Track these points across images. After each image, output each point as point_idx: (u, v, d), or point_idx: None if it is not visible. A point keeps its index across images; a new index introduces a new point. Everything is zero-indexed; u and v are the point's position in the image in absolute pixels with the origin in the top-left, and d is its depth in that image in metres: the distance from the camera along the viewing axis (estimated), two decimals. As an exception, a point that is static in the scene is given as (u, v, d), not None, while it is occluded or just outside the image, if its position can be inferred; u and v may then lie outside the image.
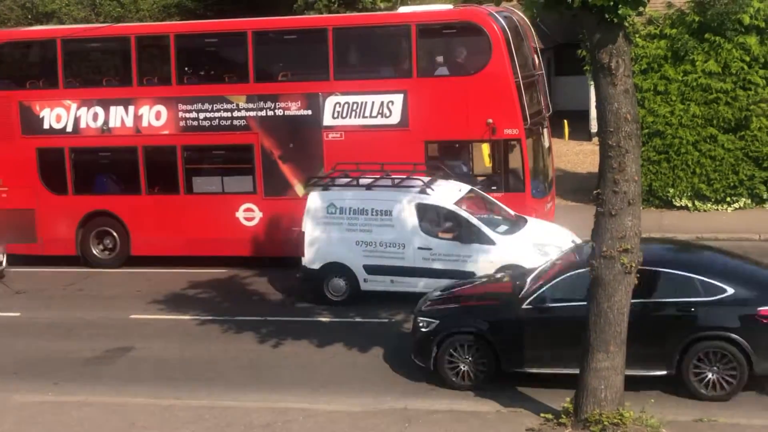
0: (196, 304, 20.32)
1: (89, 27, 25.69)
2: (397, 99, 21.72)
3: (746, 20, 25.31)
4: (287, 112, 22.35)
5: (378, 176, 19.95)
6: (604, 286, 12.34)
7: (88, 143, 23.50)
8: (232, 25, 23.58)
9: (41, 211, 23.80)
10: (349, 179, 20.02)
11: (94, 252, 23.90)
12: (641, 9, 11.78)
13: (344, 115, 22.05)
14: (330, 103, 22.07)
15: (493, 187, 21.42)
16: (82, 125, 23.48)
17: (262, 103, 22.47)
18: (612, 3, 11.51)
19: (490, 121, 21.19)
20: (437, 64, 21.95)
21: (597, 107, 12.11)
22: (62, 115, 23.51)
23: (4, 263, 23.04)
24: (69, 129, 23.49)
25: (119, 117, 23.28)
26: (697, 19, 25.82)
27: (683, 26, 26.01)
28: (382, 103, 21.81)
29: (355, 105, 21.95)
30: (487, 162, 21.36)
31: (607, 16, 11.58)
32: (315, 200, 19.67)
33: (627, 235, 12.16)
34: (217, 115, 22.76)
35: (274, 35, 22.97)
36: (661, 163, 26.15)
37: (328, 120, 22.14)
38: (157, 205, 23.29)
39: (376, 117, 21.89)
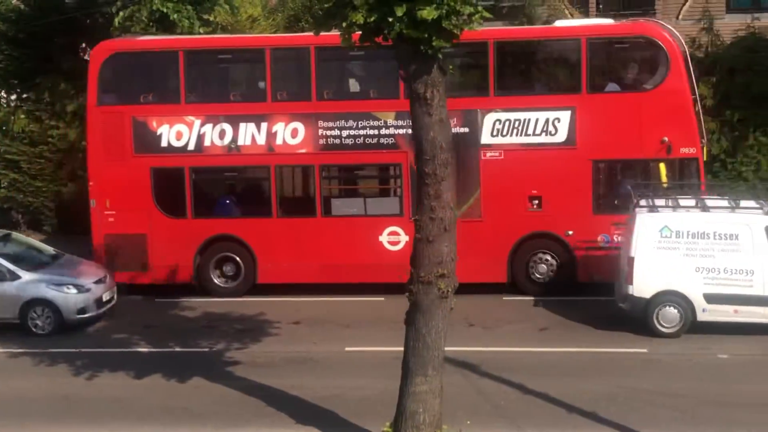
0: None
1: (215, 37, 23.82)
2: (564, 116, 20.64)
3: None
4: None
5: (702, 197, 18.67)
6: (422, 311, 12.56)
7: (212, 162, 21.70)
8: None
9: (154, 236, 21.86)
10: (677, 200, 18.59)
11: (215, 280, 22.06)
12: (454, 41, 11.88)
13: (504, 132, 20.85)
14: (489, 120, 20.85)
15: (662, 208, 20.52)
16: (206, 143, 21.68)
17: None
18: (426, 35, 11.61)
19: (666, 139, 20.29)
20: (608, 79, 20.94)
21: (414, 136, 12.38)
22: (183, 132, 21.66)
23: (115, 298, 20.94)
24: (191, 147, 21.65)
25: (250, 134, 21.57)
26: None
27: None
28: (547, 120, 20.69)
29: (516, 122, 20.78)
30: (666, 182, 20.45)
31: (422, 48, 11.75)
32: (646, 223, 18.02)
33: (444, 260, 12.45)
34: (361, 132, 21.29)
35: None
36: None
37: (486, 138, 20.90)
38: (289, 229, 21.62)
39: (539, 135, 20.75)
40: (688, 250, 17.86)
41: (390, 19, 11.52)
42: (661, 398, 15.14)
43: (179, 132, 21.67)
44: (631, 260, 18.04)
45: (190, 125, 21.62)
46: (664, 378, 16.11)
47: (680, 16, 29.55)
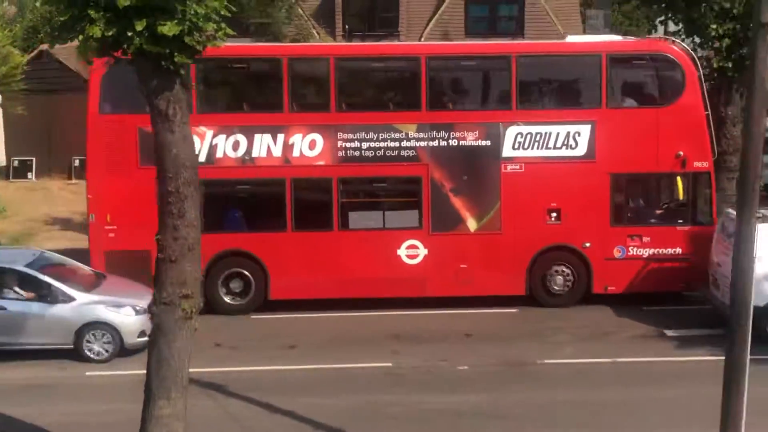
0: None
1: (228, 46, 22.76)
2: (585, 130, 20.99)
3: None
4: (462, 143, 20.99)
5: None
6: (165, 332, 12.30)
7: (224, 175, 20.89)
8: (404, 49, 21.93)
9: (159, 252, 20.83)
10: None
11: (223, 297, 21.24)
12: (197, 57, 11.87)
13: (525, 146, 21.02)
14: (511, 133, 20.97)
15: (679, 221, 21.19)
16: (218, 155, 20.87)
17: (434, 133, 20.96)
18: (168, 51, 11.50)
19: (681, 153, 20.95)
20: (626, 95, 21.41)
21: (155, 153, 12.18)
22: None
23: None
24: (202, 159, 20.77)
25: (265, 146, 20.91)
26: None
27: None
28: (567, 133, 20.99)
29: (538, 135, 20.98)
30: (681, 195, 21.09)
31: (163, 63, 11.63)
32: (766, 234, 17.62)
33: (187, 280, 12.24)
34: (382, 145, 20.98)
35: (449, 61, 21.46)
36: None
37: (507, 151, 21.00)
38: (304, 243, 21.06)
39: (560, 148, 21.02)
40: None
41: (129, 34, 11.19)
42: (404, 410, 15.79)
43: (189, 143, 20.76)
44: None
45: (201, 136, 20.77)
46: (407, 390, 16.73)
47: (422, 38, 30.79)
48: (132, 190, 20.70)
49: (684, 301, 21.47)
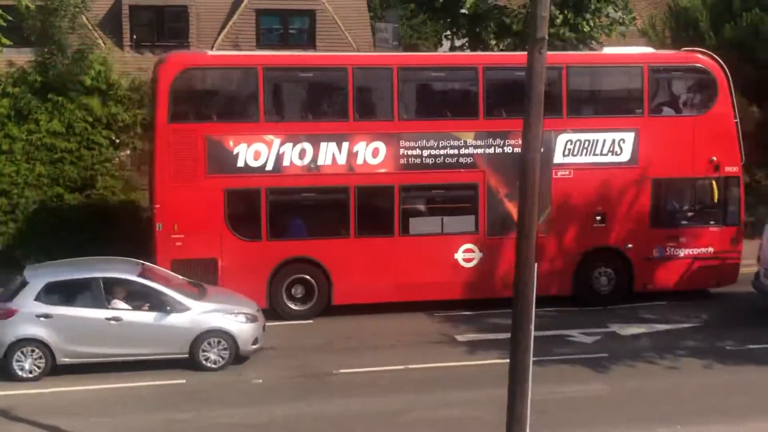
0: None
1: (294, 56, 22.95)
2: (629, 137, 22.21)
3: (87, 82, 25.78)
4: (517, 149, 21.89)
5: None
6: None
7: (290, 183, 21.22)
8: (460, 59, 22.68)
9: (225, 260, 21.05)
10: None
11: (288, 303, 21.56)
12: None
13: (575, 152, 22.09)
14: (561, 140, 22.01)
15: (711, 222, 22.64)
16: (285, 163, 21.18)
17: (490, 140, 21.81)
18: None
19: (714, 158, 22.41)
20: (665, 104, 22.71)
21: None
22: (261, 151, 21.04)
23: None
24: (269, 167, 21.06)
25: (330, 154, 21.34)
26: (39, 78, 25.82)
27: (26, 85, 25.87)
28: (613, 140, 22.16)
29: (586, 142, 22.09)
30: (715, 198, 22.52)
31: None
32: None
33: None
34: (441, 152, 21.70)
35: (505, 71, 22.30)
36: (8, 224, 25.64)
37: (558, 157, 22.03)
38: (366, 249, 21.59)
39: (606, 155, 22.18)
40: None
41: None
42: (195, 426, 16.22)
43: (257, 151, 21.03)
44: None
45: (269, 144, 21.04)
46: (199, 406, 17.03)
47: (214, 48, 31.95)
48: (199, 199, 20.84)
49: (476, 307, 22.01)
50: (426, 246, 21.80)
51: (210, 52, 22.17)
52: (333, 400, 17.05)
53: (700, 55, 22.91)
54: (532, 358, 11.89)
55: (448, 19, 26.62)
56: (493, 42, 25.01)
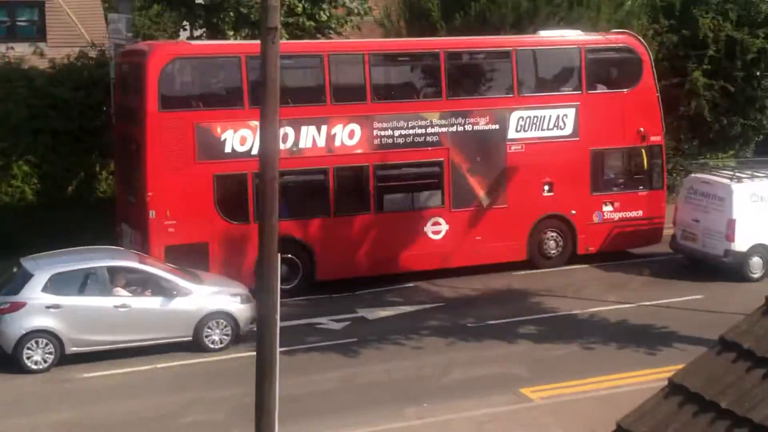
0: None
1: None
2: (570, 113, 24.19)
3: None
4: (476, 127, 23.47)
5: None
6: None
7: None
8: (425, 44, 24.07)
9: (216, 243, 21.62)
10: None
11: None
12: None
13: (526, 128, 23.86)
14: (514, 117, 23.73)
15: (640, 187, 24.96)
16: (270, 147, 21.87)
17: (453, 120, 23.28)
18: None
19: (642, 129, 24.74)
20: (600, 81, 24.78)
21: None
22: (247, 137, 21.69)
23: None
24: (255, 152, 21.73)
25: (311, 137, 22.22)
26: None
27: None
28: (558, 116, 24.09)
29: (535, 119, 23.91)
30: (645, 166, 24.84)
31: None
32: (740, 192, 22.28)
33: None
34: (410, 132, 22.98)
35: (464, 55, 23.81)
36: None
37: (512, 133, 23.76)
38: (345, 227, 22.62)
39: (552, 129, 24.08)
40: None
41: None
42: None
43: (243, 137, 21.67)
44: (732, 222, 22.43)
45: (254, 130, 21.72)
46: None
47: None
48: (189, 185, 21.31)
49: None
50: (399, 221, 23.06)
51: (194, 42, 22.53)
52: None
53: (627, 37, 25.20)
54: (279, 349, 11.11)
55: (184, 9, 26.99)
56: (231, 33, 25.75)
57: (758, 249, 22.84)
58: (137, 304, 18.63)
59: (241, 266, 21.60)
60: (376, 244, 22.88)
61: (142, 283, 18.92)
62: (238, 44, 22.90)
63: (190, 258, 21.10)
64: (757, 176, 23.34)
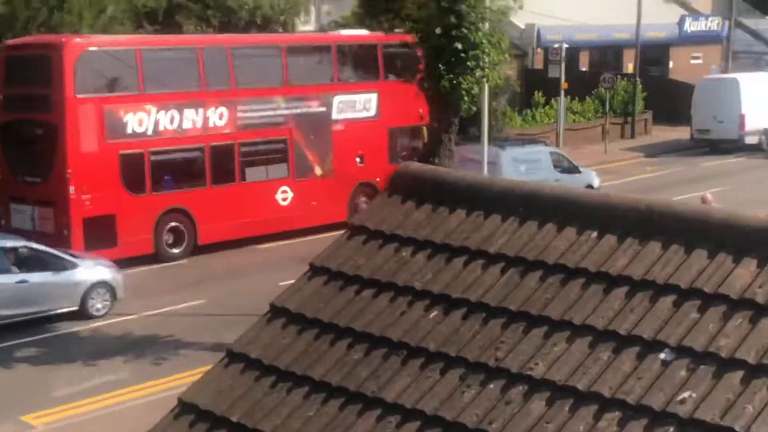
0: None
1: (163, 37, 25.72)
2: (374, 97, 29.33)
3: None
4: (312, 109, 27.95)
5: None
6: None
7: (165, 144, 25.18)
8: (268, 39, 27.98)
9: (122, 213, 24.48)
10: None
11: (165, 248, 25.38)
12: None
13: (344, 110, 28.67)
14: (336, 101, 28.46)
15: (415, 159, 30.53)
16: (161, 128, 25.09)
17: (294, 103, 27.59)
18: None
19: (421, 110, 30.35)
20: (392, 71, 30.02)
21: None
22: (143, 119, 24.75)
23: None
24: (149, 132, 24.84)
25: (190, 119, 25.64)
26: None
27: None
28: (365, 100, 29.13)
29: (350, 102, 28.78)
30: (425, 140, 30.41)
31: None
32: (506, 156, 27.91)
33: None
34: (264, 114, 27.03)
35: (302, 48, 28.33)
36: None
37: (335, 115, 28.46)
38: (218, 196, 26.18)
39: (361, 111, 29.08)
40: (527, 170, 28.91)
41: None
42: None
43: (140, 119, 24.70)
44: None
45: (148, 113, 24.80)
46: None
47: None
48: (101, 162, 24.05)
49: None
50: (256, 190, 27.00)
51: (99, 37, 25.07)
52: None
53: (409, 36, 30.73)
54: None
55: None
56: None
57: None
58: (35, 278, 20.34)
59: (142, 234, 24.67)
60: (241, 210, 26.67)
61: (37, 260, 20.72)
62: (134, 38, 25.81)
63: (103, 228, 23.87)
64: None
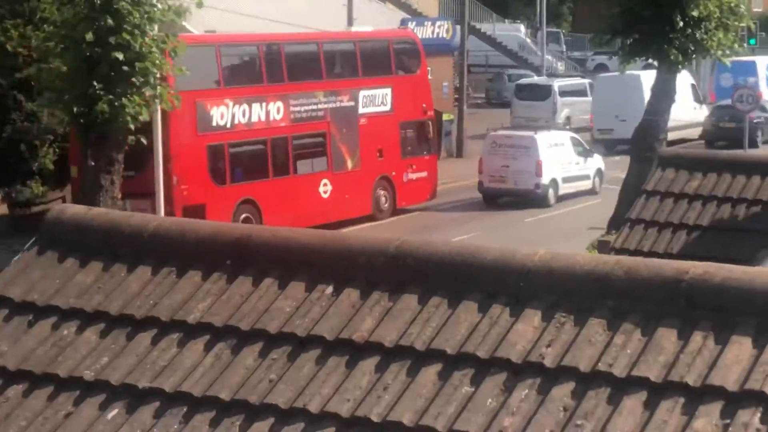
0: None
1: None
2: (389, 92, 30.15)
3: None
4: (348, 104, 28.56)
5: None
6: None
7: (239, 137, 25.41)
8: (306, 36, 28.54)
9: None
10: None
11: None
12: None
13: (366, 105, 29.35)
14: (361, 96, 29.11)
15: (425, 152, 31.50)
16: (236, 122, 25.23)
17: (332, 97, 28.11)
18: None
19: (424, 105, 31.46)
20: (402, 67, 30.87)
21: None
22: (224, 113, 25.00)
23: None
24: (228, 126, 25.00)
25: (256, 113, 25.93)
26: None
27: None
28: (383, 95, 29.92)
29: (372, 97, 29.50)
30: (430, 134, 31.48)
31: None
32: (543, 140, 29.58)
33: None
34: (308, 107, 27.47)
35: (342, 44, 29.11)
36: None
37: (360, 109, 29.10)
38: (279, 188, 26.43)
39: (380, 106, 29.85)
40: (557, 154, 30.70)
41: None
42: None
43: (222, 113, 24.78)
44: (540, 162, 29.97)
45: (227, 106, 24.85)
46: None
47: None
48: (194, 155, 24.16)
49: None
50: (305, 183, 27.41)
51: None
52: None
53: (408, 31, 31.83)
54: None
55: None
56: None
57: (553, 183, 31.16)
58: None
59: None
60: (296, 202, 26.92)
61: None
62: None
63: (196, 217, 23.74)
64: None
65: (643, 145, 24.04)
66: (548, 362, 3.78)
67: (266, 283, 4.33)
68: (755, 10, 61.58)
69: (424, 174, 31.29)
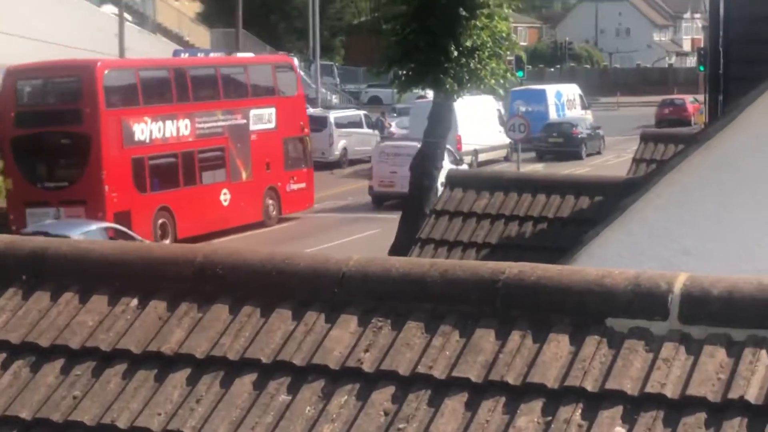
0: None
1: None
2: (273, 111, 33.66)
3: None
4: (242, 121, 31.96)
5: None
6: None
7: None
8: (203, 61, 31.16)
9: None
10: None
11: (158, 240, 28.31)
12: None
13: (255, 122, 32.79)
14: (251, 114, 32.53)
15: (302, 165, 35.10)
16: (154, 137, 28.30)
17: (228, 115, 31.45)
18: None
19: (302, 123, 35.08)
20: (284, 89, 34.35)
21: None
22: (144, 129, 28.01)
23: None
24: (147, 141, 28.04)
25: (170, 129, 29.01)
26: None
27: None
28: (269, 113, 33.42)
29: (260, 115, 32.97)
30: (306, 149, 35.12)
31: None
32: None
33: None
34: (209, 124, 30.72)
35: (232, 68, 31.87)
36: None
37: (252, 126, 32.51)
38: (188, 196, 29.56)
39: (266, 123, 33.32)
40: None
41: None
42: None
43: (142, 129, 27.80)
44: None
45: (146, 123, 27.90)
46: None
47: None
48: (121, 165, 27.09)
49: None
50: (208, 192, 30.60)
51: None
52: None
53: (286, 56, 35.39)
54: None
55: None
56: None
57: None
58: None
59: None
60: (204, 208, 30.11)
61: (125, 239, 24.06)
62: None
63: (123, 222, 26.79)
64: None
65: (421, 169, 24.73)
66: (367, 367, 3.71)
67: (66, 297, 4.12)
68: (522, 43, 65.59)
69: (303, 185, 34.85)
